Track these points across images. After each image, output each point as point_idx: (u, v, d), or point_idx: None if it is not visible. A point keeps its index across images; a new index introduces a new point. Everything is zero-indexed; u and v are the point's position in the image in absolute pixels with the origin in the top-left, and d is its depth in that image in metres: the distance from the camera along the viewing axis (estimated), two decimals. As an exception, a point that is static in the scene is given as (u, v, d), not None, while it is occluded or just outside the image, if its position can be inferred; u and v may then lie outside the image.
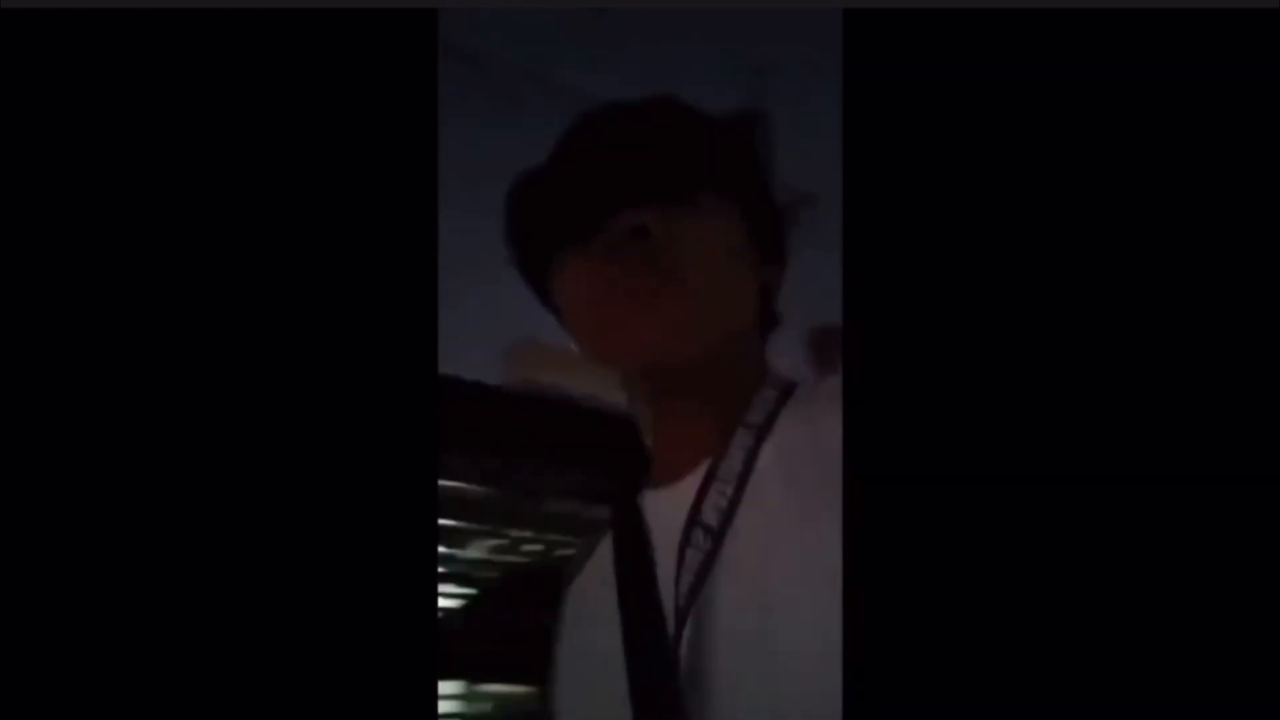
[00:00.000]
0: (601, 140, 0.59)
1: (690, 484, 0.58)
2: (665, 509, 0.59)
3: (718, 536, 0.54)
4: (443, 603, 1.55)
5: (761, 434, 0.57)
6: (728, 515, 0.54)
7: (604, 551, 0.63)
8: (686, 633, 0.52)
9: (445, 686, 1.51)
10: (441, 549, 1.57)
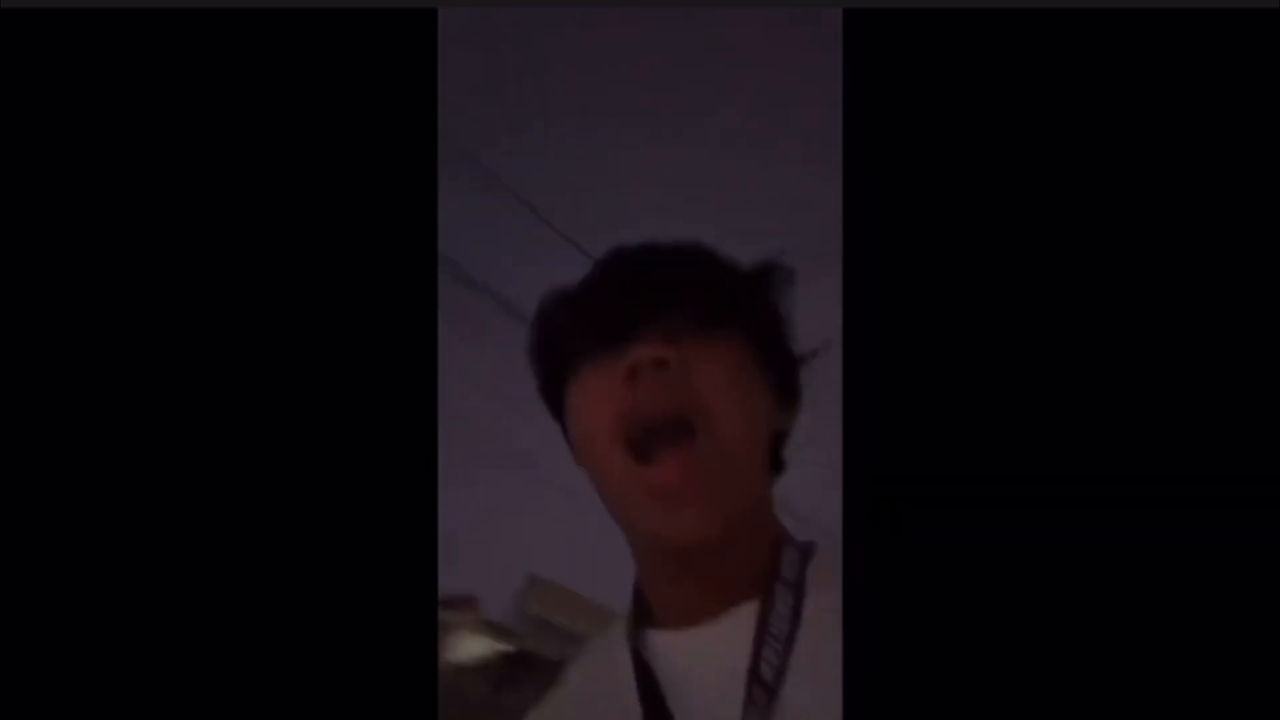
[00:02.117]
0: (631, 272, 0.60)
1: (727, 625, 0.58)
2: (704, 644, 0.58)
3: (772, 693, 0.54)
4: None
5: (799, 592, 0.57)
6: (780, 673, 0.54)
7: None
8: None
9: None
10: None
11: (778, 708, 0.53)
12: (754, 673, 0.54)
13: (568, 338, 0.61)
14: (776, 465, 0.66)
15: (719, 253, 0.63)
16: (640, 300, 0.58)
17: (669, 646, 0.59)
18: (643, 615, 0.62)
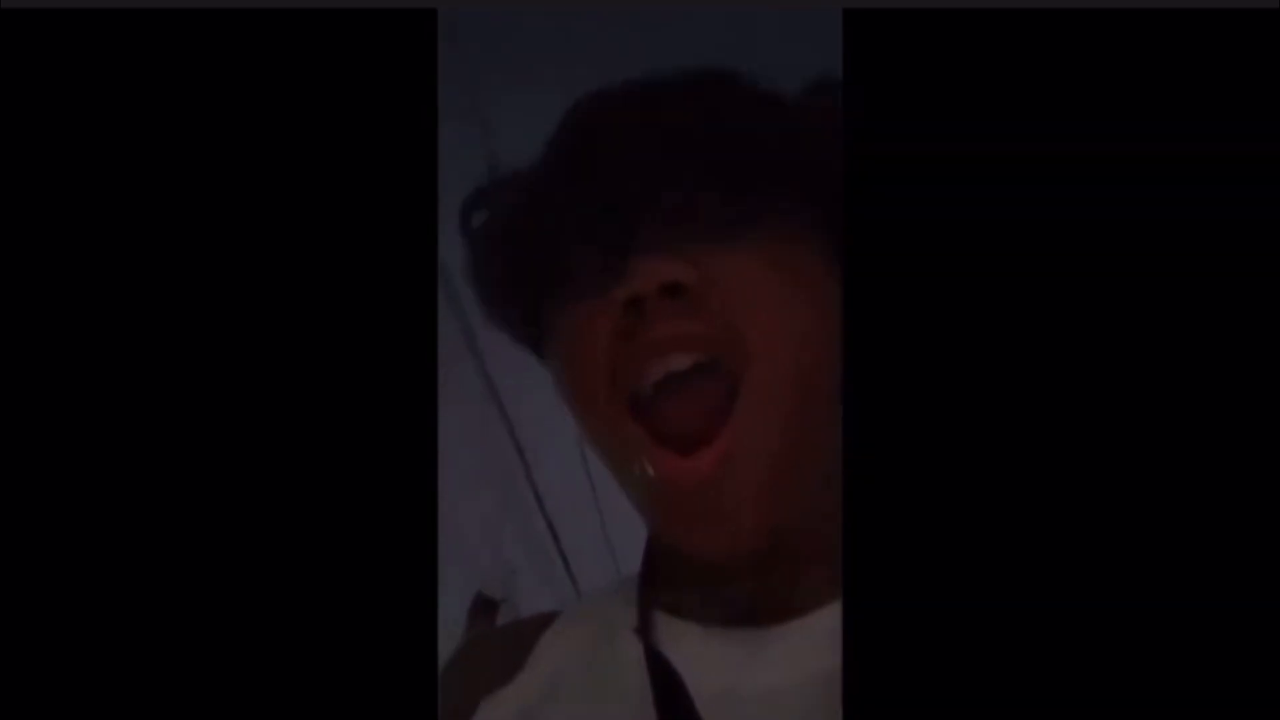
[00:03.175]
0: (617, 142, 0.38)
1: (810, 624, 0.44)
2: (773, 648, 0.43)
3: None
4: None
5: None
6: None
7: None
8: None
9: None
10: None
11: None
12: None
13: (530, 271, 0.40)
14: None
15: (745, 79, 0.41)
16: (637, 189, 0.37)
17: (704, 646, 0.41)
18: (658, 592, 0.44)
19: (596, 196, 0.37)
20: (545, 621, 0.51)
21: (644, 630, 0.42)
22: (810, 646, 0.39)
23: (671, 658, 0.41)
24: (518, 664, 0.47)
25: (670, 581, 0.44)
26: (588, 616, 0.47)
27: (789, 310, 0.38)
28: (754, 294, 0.37)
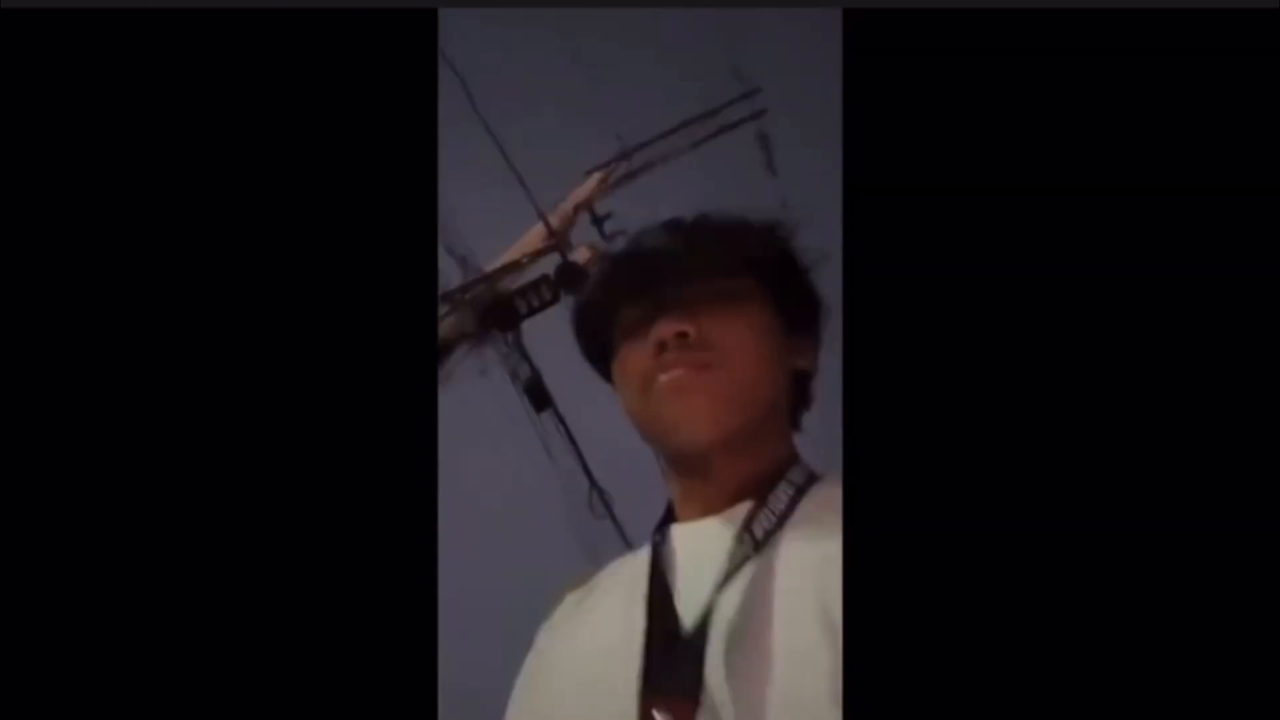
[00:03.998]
0: (648, 257, 0.73)
1: (733, 512, 0.67)
2: (711, 529, 0.68)
3: (758, 544, 0.64)
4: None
5: (801, 491, 0.68)
6: (770, 533, 0.65)
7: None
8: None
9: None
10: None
11: (762, 557, 0.63)
12: (746, 526, 0.65)
13: (603, 324, 0.73)
14: (805, 401, 0.76)
15: (727, 218, 0.73)
16: (659, 282, 0.70)
17: (681, 534, 0.70)
18: (667, 519, 0.72)
19: (639, 288, 0.70)
20: None
21: (655, 536, 0.71)
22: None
23: (665, 547, 0.69)
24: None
25: (677, 495, 0.72)
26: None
27: (747, 343, 0.69)
28: (726, 336, 0.68)
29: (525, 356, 4.54)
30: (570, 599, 0.75)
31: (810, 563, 0.60)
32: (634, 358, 0.69)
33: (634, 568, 0.69)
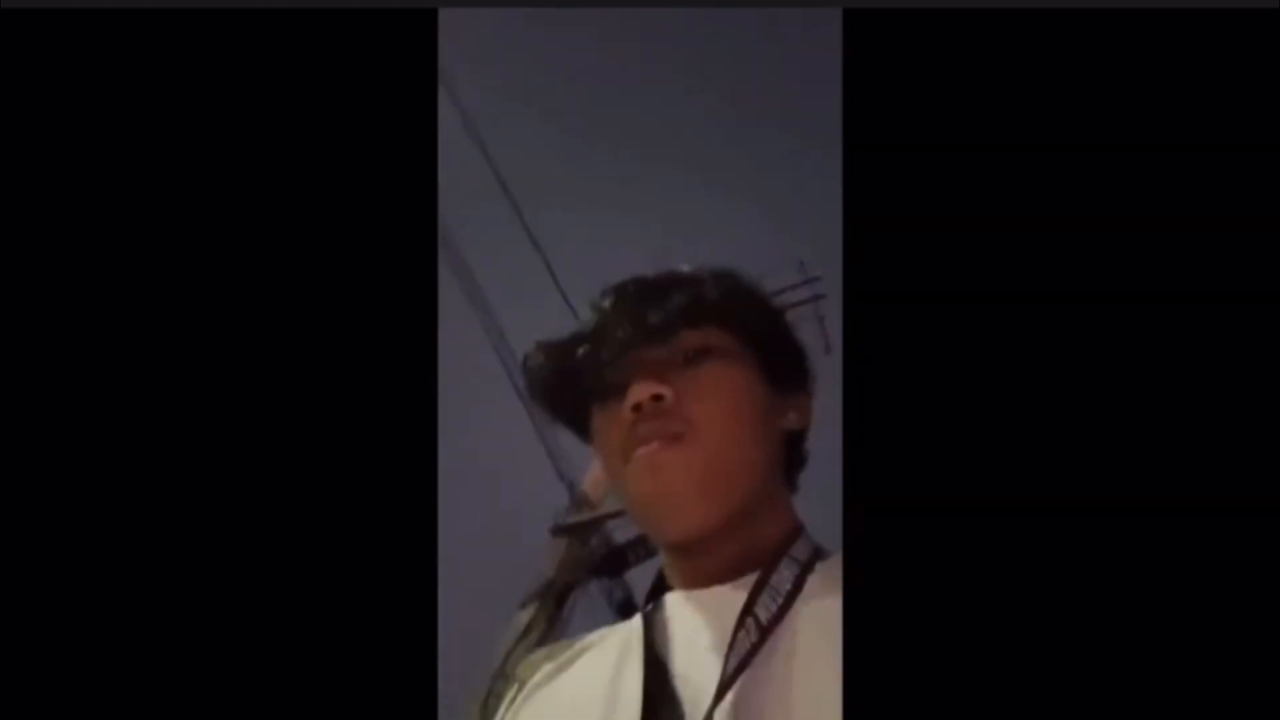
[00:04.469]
0: (619, 320, 0.67)
1: (733, 586, 0.63)
2: (709, 601, 0.65)
3: (765, 631, 0.60)
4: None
5: (806, 569, 0.63)
6: (776, 617, 0.60)
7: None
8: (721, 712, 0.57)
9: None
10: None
11: (766, 650, 0.58)
12: (749, 609, 0.60)
13: (574, 391, 0.69)
14: (799, 460, 0.71)
15: (697, 275, 0.70)
16: (632, 347, 0.66)
17: (677, 604, 0.66)
18: (660, 586, 0.68)
19: (617, 348, 0.66)
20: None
21: (647, 604, 0.68)
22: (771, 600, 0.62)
23: (659, 617, 0.65)
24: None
25: (669, 568, 0.68)
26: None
27: (728, 404, 0.65)
28: (705, 398, 0.64)
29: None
30: (546, 670, 0.69)
31: (827, 655, 0.53)
32: (610, 422, 0.66)
33: (623, 639, 0.65)
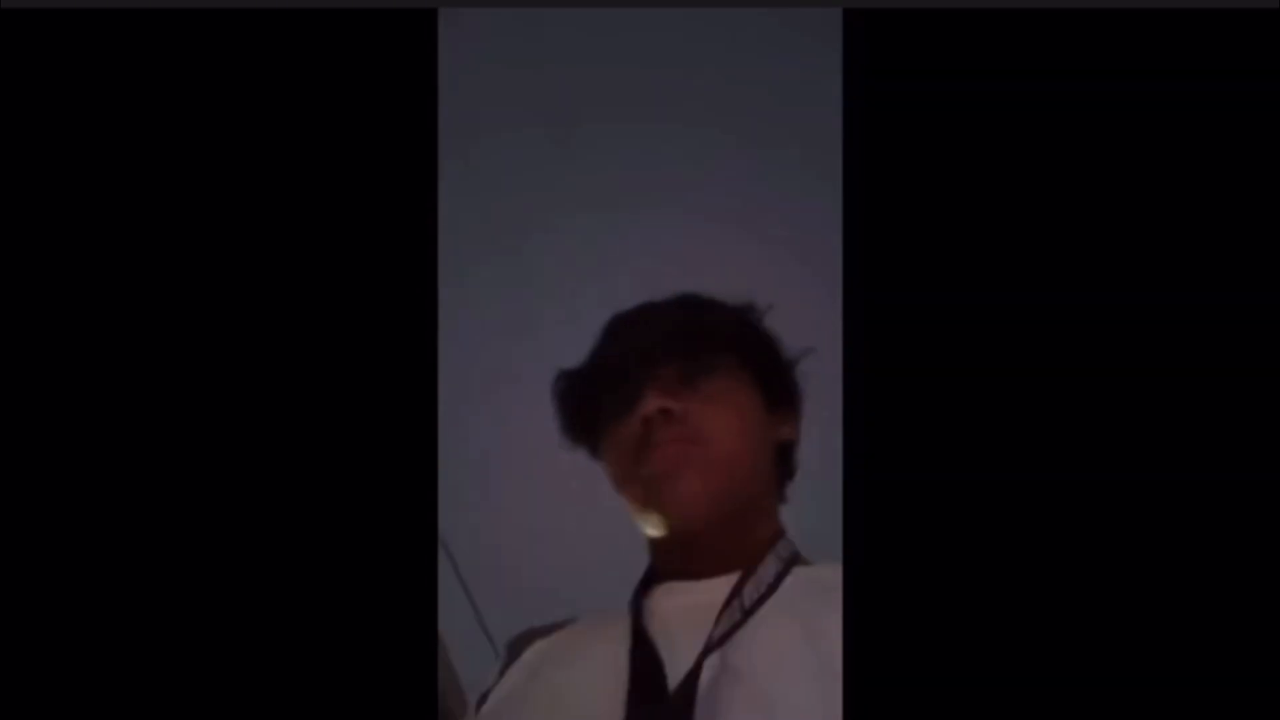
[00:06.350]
0: (628, 343, 0.74)
1: (720, 580, 0.68)
2: (696, 592, 0.69)
3: (746, 614, 0.65)
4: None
5: (789, 565, 0.69)
6: (758, 604, 0.66)
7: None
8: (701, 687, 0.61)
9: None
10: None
11: (750, 626, 0.64)
12: (735, 593, 0.66)
13: (590, 411, 0.75)
14: (788, 472, 0.77)
15: (704, 298, 0.77)
16: (641, 365, 0.72)
17: (665, 595, 0.71)
18: (649, 579, 0.73)
19: (627, 368, 0.72)
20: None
21: (636, 596, 0.71)
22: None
23: (647, 608, 0.69)
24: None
25: (661, 561, 0.73)
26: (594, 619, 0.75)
27: (731, 418, 0.71)
28: (710, 412, 0.70)
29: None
30: (539, 646, 0.74)
31: (800, 633, 0.61)
32: (622, 431, 0.71)
33: (615, 627, 0.69)
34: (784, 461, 0.77)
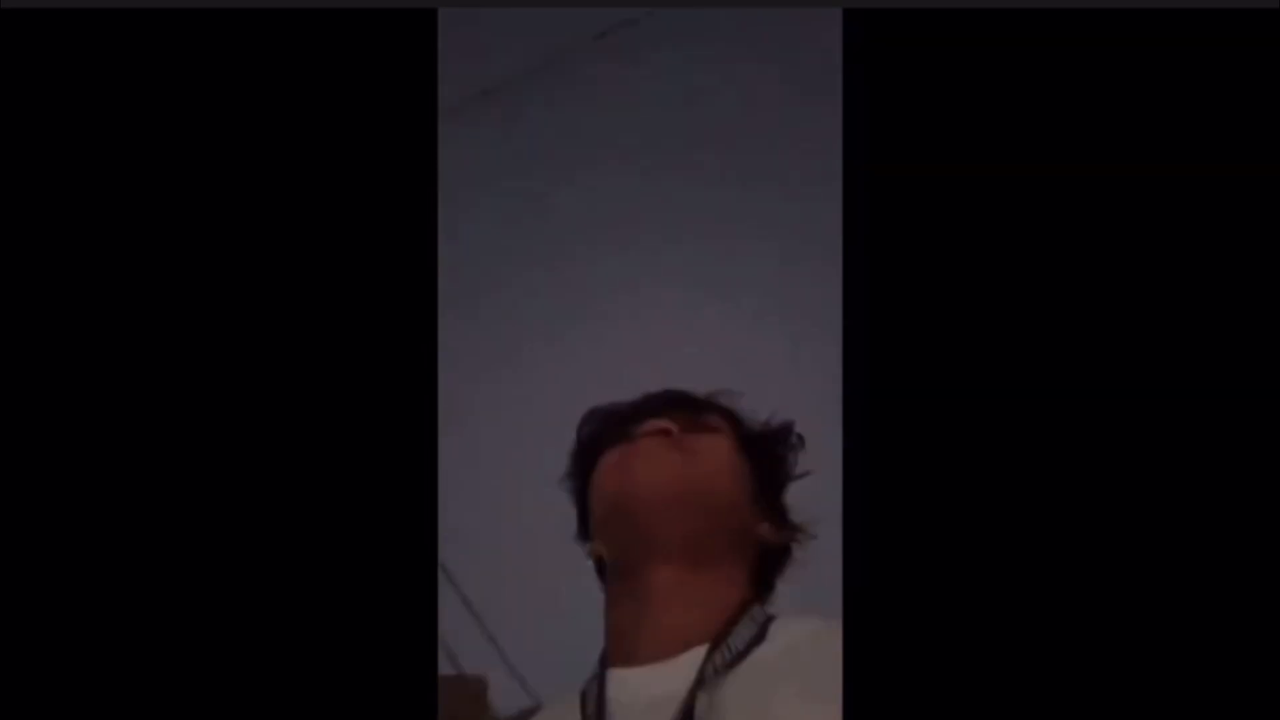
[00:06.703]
0: (625, 413, 0.76)
1: (682, 661, 0.63)
2: (655, 676, 0.64)
3: (736, 659, 0.62)
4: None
5: (764, 628, 0.65)
6: (743, 653, 0.62)
7: None
8: None
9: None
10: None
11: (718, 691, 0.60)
12: (708, 659, 0.61)
13: (595, 442, 0.76)
14: (766, 586, 0.75)
15: (688, 394, 0.79)
16: (645, 411, 0.74)
17: (621, 679, 0.65)
18: (604, 662, 0.68)
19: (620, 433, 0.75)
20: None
21: (591, 681, 0.66)
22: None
23: (613, 696, 0.64)
24: None
25: (614, 642, 0.69)
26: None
27: (719, 453, 0.73)
28: (703, 445, 0.72)
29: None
30: None
31: (795, 693, 0.57)
32: (615, 458, 0.72)
33: (560, 715, 0.66)
34: (765, 562, 0.74)
